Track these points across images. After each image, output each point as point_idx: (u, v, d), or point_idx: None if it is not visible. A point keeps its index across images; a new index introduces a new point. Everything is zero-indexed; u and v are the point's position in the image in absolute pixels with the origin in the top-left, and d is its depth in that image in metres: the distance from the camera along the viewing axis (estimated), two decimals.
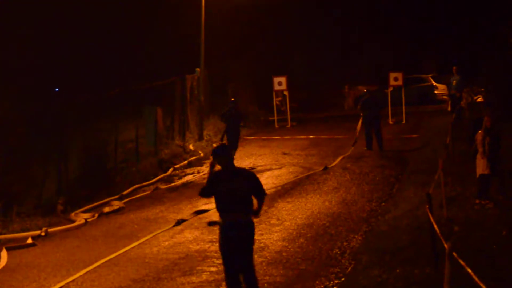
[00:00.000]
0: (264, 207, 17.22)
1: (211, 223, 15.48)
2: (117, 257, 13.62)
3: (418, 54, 48.12)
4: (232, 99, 26.26)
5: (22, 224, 17.86)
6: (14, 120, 21.92)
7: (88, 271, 12.77)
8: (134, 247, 14.30)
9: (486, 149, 14.83)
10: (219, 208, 10.10)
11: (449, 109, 32.59)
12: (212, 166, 10.19)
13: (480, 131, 15.03)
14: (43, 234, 16.47)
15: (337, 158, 23.23)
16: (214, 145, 15.37)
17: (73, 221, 17.84)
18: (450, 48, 46.44)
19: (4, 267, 13.78)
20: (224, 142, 22.48)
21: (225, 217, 9.98)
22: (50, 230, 16.82)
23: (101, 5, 37.08)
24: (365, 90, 27.51)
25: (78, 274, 12.60)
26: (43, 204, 20.29)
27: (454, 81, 31.70)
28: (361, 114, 25.57)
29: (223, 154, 10.15)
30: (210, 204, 18.30)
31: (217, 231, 15.03)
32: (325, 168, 21.71)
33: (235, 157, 25.03)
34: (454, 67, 31.81)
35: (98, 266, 12.88)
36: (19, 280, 12.65)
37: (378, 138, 24.75)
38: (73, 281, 12.22)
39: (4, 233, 17.02)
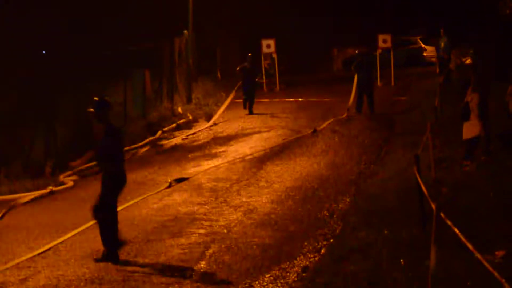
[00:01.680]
0: (253, 170, 17.38)
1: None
2: None
3: (407, 16, 47.90)
4: (250, 54, 27.43)
5: (10, 186, 17.84)
6: (2, 82, 21.82)
7: (77, 233, 12.79)
8: (123, 209, 14.31)
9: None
10: None
11: (437, 71, 32.59)
12: None
13: (469, 93, 15.02)
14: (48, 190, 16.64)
15: (325, 121, 23.22)
16: None
17: (62, 184, 17.83)
18: (439, 9, 46.23)
19: None
20: None
21: None
22: (55, 189, 16.83)
23: None
24: (356, 52, 27.44)
25: (66, 236, 12.62)
26: (32, 167, 20.26)
27: (442, 43, 31.65)
28: (355, 76, 25.49)
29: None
30: (199, 167, 18.40)
31: (207, 194, 15.20)
32: (314, 131, 21.72)
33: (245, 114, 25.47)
34: (442, 29, 31.74)
35: (87, 227, 12.89)
36: (7, 242, 12.66)
37: (369, 101, 24.78)
38: (61, 242, 12.24)
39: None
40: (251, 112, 26.53)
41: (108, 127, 11.16)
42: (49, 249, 11.95)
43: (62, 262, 11.18)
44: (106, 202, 11.21)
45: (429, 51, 41.24)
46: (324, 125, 22.64)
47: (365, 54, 26.83)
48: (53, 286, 10.15)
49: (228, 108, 28.76)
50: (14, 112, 22.82)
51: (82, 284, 10.17)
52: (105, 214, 11.18)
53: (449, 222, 7.64)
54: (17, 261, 11.33)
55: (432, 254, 7.83)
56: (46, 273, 10.70)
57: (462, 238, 7.29)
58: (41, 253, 11.75)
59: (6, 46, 28.54)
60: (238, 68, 27.36)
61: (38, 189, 17.21)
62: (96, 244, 11.82)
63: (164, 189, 15.99)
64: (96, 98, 11.35)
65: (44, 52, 33.92)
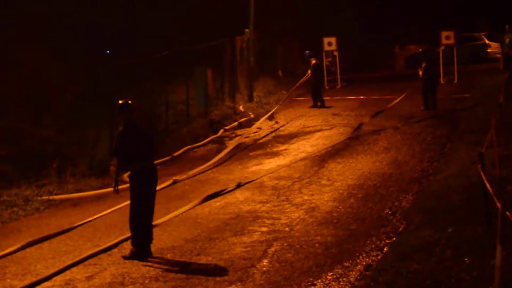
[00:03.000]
0: (315, 168, 17.38)
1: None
2: (170, 218, 13.80)
3: (471, 12, 47.19)
4: (307, 51, 29.53)
5: (76, 185, 18.17)
6: (69, 80, 22.21)
7: None
8: (185, 207, 14.45)
9: None
10: None
11: (501, 67, 32.04)
12: None
13: None
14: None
15: (387, 119, 23.05)
16: None
17: (126, 182, 18.03)
18: (504, 5, 45.43)
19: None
20: None
21: None
22: (103, 190, 17.04)
23: None
24: (420, 50, 27.23)
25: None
26: (96, 166, 20.59)
27: (507, 39, 31.12)
28: (421, 73, 25.16)
29: None
30: (260, 165, 18.47)
31: (268, 192, 15.24)
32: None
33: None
34: (507, 25, 31.20)
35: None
36: (74, 240, 12.90)
37: (433, 97, 24.62)
38: (126, 239, 12.40)
39: (59, 193, 17.33)
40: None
41: (127, 124, 11.48)
42: (114, 246, 12.14)
43: (127, 260, 11.35)
44: (131, 201, 11.52)
45: (493, 47, 40.58)
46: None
47: (429, 51, 26.56)
48: (119, 284, 10.30)
49: (289, 106, 28.76)
50: (79, 110, 23.20)
51: (146, 281, 10.31)
52: (131, 215, 11.49)
53: None
54: (82, 257, 11.54)
55: (497, 254, 7.72)
56: (112, 271, 10.87)
57: None
58: (106, 250, 11.94)
59: (74, 47, 29.11)
60: (312, 64, 28.10)
61: (103, 187, 17.49)
62: (160, 242, 11.98)
63: (231, 190, 16.01)
64: (120, 101, 11.68)
65: (108, 52, 34.46)
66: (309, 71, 28.23)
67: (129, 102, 11.71)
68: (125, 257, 11.41)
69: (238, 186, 16.13)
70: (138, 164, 11.49)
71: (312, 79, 28.08)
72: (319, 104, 27.61)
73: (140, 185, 11.52)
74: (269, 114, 26.19)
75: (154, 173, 11.70)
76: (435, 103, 24.62)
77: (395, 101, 26.73)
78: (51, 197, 16.85)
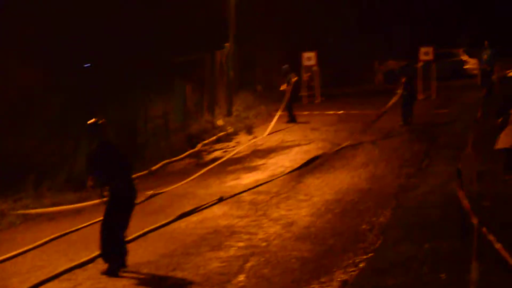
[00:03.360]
0: (292, 183, 17.35)
1: None
2: (146, 232, 13.71)
3: (449, 28, 47.60)
4: (285, 65, 28.81)
5: (53, 199, 18.01)
6: (47, 92, 22.05)
7: None
8: (162, 222, 14.37)
9: None
10: None
11: (479, 83, 32.25)
12: None
13: None
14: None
15: (366, 134, 23.11)
16: None
17: (103, 196, 17.89)
18: (481, 21, 45.88)
19: None
20: None
21: None
22: (80, 205, 16.91)
23: None
24: (400, 67, 27.46)
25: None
26: (74, 179, 20.42)
27: (485, 55, 31.33)
28: (400, 89, 25.23)
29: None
30: (238, 180, 18.43)
31: (246, 207, 15.19)
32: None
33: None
34: (486, 41, 31.42)
35: (127, 240, 12.94)
36: (49, 254, 12.76)
37: (411, 113, 24.80)
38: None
39: (36, 207, 17.18)
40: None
41: (99, 143, 11.44)
42: (89, 261, 12.02)
43: (104, 275, 11.24)
44: (105, 218, 11.36)
45: (471, 63, 40.88)
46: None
47: (406, 67, 26.76)
48: None
49: (268, 120, 28.77)
50: (57, 124, 23.03)
51: None
52: (104, 231, 11.32)
53: (491, 237, 7.54)
54: (57, 272, 11.42)
55: (473, 269, 7.74)
56: (87, 286, 10.77)
57: (504, 253, 7.19)
58: (82, 265, 11.82)
59: (53, 57, 28.91)
60: (292, 81, 28.21)
61: (80, 201, 17.35)
62: (136, 257, 11.89)
63: (211, 204, 15.94)
64: (89, 122, 11.64)
65: (89, 64, 34.30)
66: (286, 86, 28.19)
67: (100, 122, 11.63)
68: (103, 272, 11.29)
69: (220, 200, 16.08)
70: (114, 182, 11.35)
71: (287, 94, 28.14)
72: (290, 118, 27.83)
73: (117, 203, 11.38)
74: (253, 133, 26.14)
75: (131, 190, 11.56)
76: (412, 119, 24.76)
77: (374, 117, 26.79)
78: (27, 211, 16.67)
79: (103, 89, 23.56)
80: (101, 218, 11.55)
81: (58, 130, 22.30)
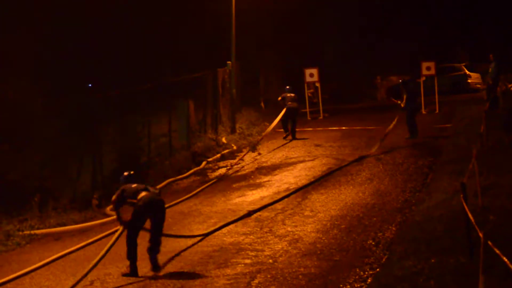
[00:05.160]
0: (298, 199, 17.36)
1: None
2: None
3: (451, 43, 47.70)
4: (288, 87, 28.92)
5: (58, 219, 18.06)
6: (49, 114, 22.13)
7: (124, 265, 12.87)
8: (169, 240, 14.37)
9: None
10: None
11: (485, 97, 32.22)
12: None
13: None
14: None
15: (370, 149, 23.13)
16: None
17: (108, 216, 17.96)
18: (484, 35, 45.95)
19: None
20: None
21: None
22: (85, 224, 16.93)
23: (130, 1, 37.20)
24: (400, 81, 27.42)
25: (110, 269, 12.70)
26: (78, 199, 20.49)
27: (490, 69, 31.33)
28: (403, 104, 25.24)
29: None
30: (243, 197, 18.44)
31: (252, 224, 15.20)
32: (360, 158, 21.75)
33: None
34: (491, 55, 31.39)
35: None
36: (56, 274, 12.78)
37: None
38: (109, 274, 12.28)
39: (41, 228, 17.23)
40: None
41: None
42: (96, 280, 12.02)
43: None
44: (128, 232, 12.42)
45: (473, 77, 40.91)
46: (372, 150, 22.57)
47: (408, 82, 26.79)
48: None
49: (272, 137, 28.79)
50: (60, 144, 23.11)
51: None
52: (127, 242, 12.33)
53: (497, 251, 7.54)
54: None
55: (480, 284, 7.73)
56: None
57: (511, 266, 7.19)
58: (88, 285, 11.83)
59: (55, 79, 29.04)
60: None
61: (85, 221, 17.40)
62: (144, 275, 11.90)
63: (238, 218, 15.99)
64: (125, 173, 13.11)
65: (90, 85, 34.45)
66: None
67: (131, 172, 13.10)
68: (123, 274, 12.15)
69: (249, 214, 16.15)
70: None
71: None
72: (288, 133, 27.88)
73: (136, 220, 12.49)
74: (258, 150, 26.14)
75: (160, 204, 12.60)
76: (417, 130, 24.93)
77: (382, 135, 26.82)
78: (32, 232, 16.75)
79: (107, 110, 23.63)
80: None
81: (61, 152, 22.37)
